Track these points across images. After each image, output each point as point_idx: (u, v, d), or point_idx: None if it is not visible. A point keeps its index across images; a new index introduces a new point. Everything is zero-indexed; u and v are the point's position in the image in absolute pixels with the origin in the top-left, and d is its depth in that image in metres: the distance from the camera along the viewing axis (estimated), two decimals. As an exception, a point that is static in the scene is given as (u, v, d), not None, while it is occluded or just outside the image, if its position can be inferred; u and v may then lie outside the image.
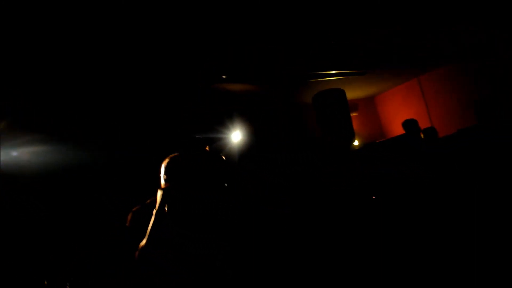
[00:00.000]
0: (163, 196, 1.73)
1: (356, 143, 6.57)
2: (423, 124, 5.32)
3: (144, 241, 1.69)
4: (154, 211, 1.71)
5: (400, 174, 2.43)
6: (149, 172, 2.38)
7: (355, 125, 7.13)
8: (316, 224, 2.12)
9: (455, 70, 5.94)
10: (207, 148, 4.92)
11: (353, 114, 7.11)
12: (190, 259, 1.69)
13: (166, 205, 1.73)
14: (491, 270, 2.27)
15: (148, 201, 2.17)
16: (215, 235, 1.76)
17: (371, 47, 4.35)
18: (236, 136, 5.77)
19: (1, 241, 3.80)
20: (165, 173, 1.86)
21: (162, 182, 1.84)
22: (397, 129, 6.85)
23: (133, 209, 2.22)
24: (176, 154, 2.02)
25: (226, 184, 1.90)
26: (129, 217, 2.21)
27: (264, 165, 2.80)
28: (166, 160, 1.95)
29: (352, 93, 6.86)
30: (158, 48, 3.53)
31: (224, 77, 4.59)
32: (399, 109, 7.08)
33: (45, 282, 3.75)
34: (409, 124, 4.63)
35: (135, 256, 1.71)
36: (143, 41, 3.34)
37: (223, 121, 5.71)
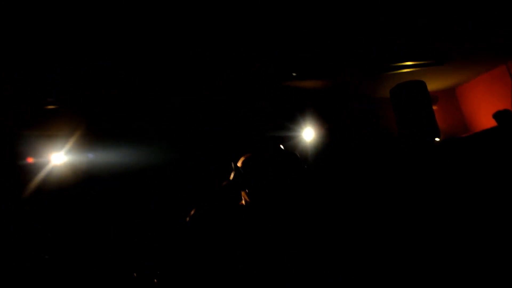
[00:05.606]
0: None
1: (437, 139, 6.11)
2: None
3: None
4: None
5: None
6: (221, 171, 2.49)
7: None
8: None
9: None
10: (281, 147, 4.95)
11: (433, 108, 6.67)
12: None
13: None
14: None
15: (224, 183, 2.22)
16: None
17: (449, 35, 4.07)
18: (308, 134, 5.75)
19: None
20: (242, 170, 1.96)
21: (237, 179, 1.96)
22: (483, 123, 6.33)
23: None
24: (250, 154, 2.09)
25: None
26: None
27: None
28: (242, 159, 2.03)
29: (431, 85, 6.47)
30: (226, 46, 3.59)
31: (294, 74, 4.58)
32: (485, 100, 6.52)
33: (135, 274, 4.05)
34: (503, 115, 4.12)
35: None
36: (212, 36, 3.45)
37: (295, 119, 5.71)
